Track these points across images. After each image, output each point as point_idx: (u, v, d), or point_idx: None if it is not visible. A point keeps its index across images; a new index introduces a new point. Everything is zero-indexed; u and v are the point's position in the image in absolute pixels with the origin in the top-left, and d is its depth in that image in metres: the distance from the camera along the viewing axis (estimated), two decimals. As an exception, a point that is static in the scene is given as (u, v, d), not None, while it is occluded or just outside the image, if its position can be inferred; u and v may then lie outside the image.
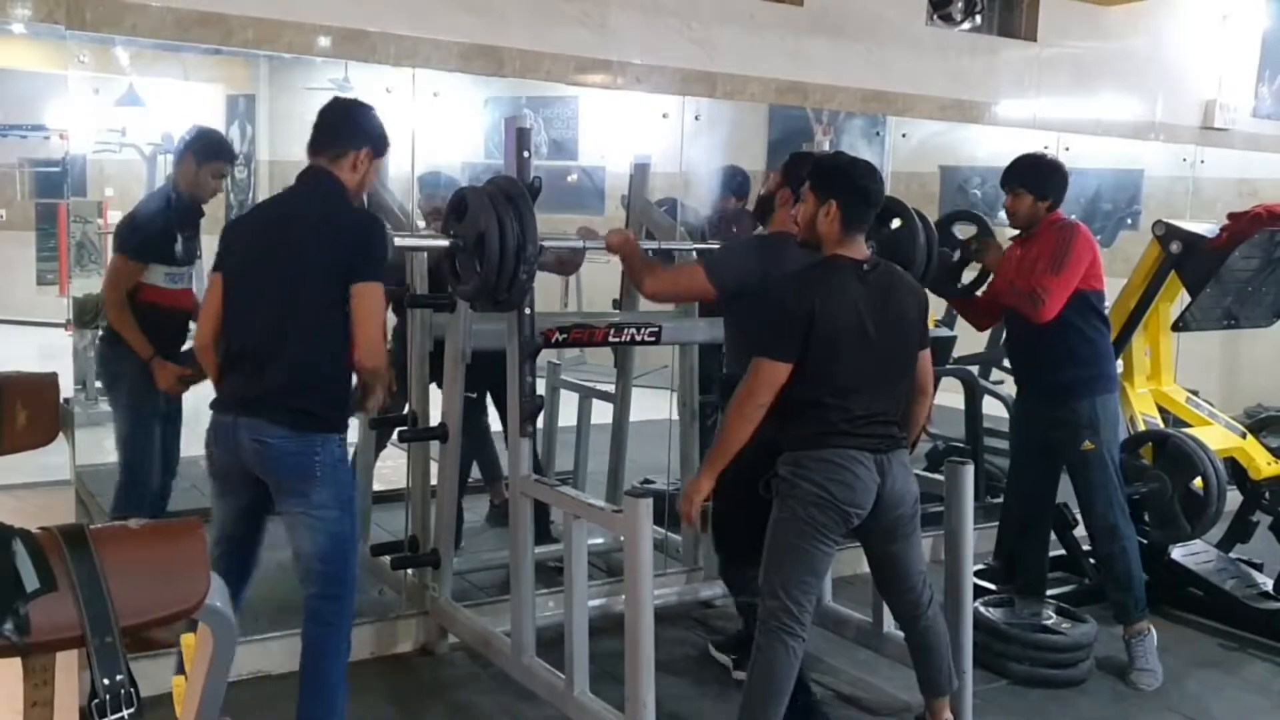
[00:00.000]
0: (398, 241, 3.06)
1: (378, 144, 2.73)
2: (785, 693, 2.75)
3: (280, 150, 2.67)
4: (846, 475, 2.71)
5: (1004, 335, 5.44)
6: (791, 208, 3.08)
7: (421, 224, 4.20)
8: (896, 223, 3.38)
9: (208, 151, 3.47)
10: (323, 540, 2.57)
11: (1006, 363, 5.42)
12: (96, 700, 1.38)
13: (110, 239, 3.47)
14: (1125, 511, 3.70)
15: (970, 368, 5.18)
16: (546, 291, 5.18)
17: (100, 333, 3.48)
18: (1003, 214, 3.79)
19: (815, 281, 2.77)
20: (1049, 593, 3.98)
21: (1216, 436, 4.24)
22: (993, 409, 5.12)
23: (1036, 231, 3.63)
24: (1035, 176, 3.65)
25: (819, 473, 2.72)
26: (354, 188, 2.69)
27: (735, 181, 4.68)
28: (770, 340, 2.73)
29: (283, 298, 2.54)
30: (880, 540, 2.89)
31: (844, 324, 2.72)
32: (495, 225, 2.79)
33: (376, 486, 4.17)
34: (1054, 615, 3.73)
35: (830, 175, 2.83)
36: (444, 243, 2.94)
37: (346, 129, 2.69)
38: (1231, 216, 4.16)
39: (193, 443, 3.05)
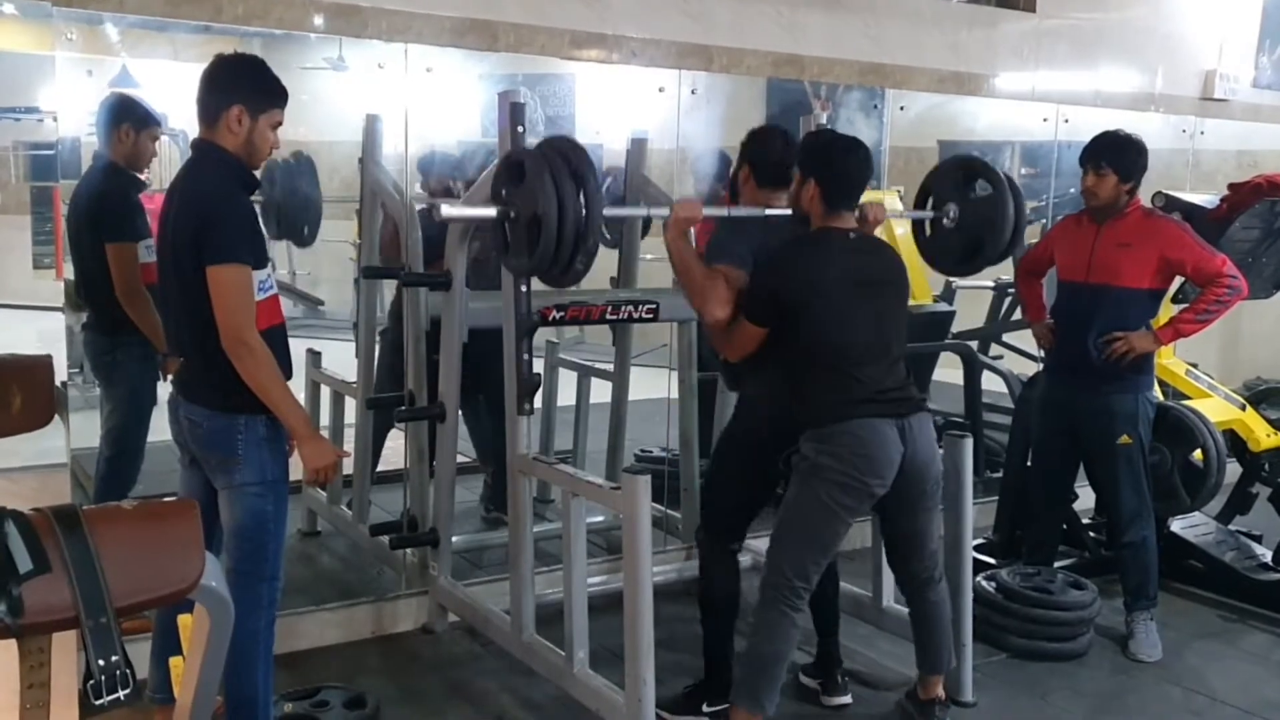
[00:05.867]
0: (445, 211, 2.75)
1: (252, 98, 2.49)
2: (785, 659, 2.79)
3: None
4: (869, 447, 2.70)
5: (1003, 311, 5.46)
6: (752, 184, 3.03)
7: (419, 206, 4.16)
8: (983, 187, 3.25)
9: (145, 118, 3.41)
10: (242, 516, 2.55)
11: (1008, 339, 5.44)
12: (92, 681, 1.38)
13: (84, 230, 3.33)
14: (1149, 501, 3.70)
15: (969, 343, 5.17)
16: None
17: (85, 320, 3.42)
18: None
19: (801, 254, 2.79)
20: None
21: (1216, 409, 4.24)
22: (992, 384, 5.11)
23: (1127, 213, 3.57)
24: (1125, 158, 3.54)
25: (843, 447, 2.70)
26: (241, 151, 2.51)
27: (722, 166, 4.68)
28: (748, 301, 2.78)
29: (176, 282, 2.51)
30: (900, 514, 2.87)
31: (833, 287, 2.75)
32: (554, 204, 2.46)
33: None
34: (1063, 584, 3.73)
35: (810, 154, 2.87)
36: (492, 213, 2.67)
37: (213, 90, 2.49)
38: (1231, 187, 4.14)
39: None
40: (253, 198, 2.61)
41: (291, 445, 2.58)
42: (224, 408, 2.50)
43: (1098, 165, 3.56)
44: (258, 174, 2.65)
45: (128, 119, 3.37)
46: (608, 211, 2.66)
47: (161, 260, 2.58)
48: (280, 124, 2.57)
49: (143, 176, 3.52)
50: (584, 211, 2.49)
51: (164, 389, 3.48)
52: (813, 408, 2.75)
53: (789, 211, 2.91)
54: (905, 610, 3.10)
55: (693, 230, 2.88)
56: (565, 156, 2.54)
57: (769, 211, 2.92)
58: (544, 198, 2.47)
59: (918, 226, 3.39)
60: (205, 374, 2.50)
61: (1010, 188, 3.22)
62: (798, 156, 2.89)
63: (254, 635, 2.56)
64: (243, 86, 2.51)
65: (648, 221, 4.18)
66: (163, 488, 3.43)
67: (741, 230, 2.91)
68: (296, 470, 2.62)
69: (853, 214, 2.85)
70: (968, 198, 3.26)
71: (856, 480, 2.70)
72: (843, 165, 2.81)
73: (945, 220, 3.27)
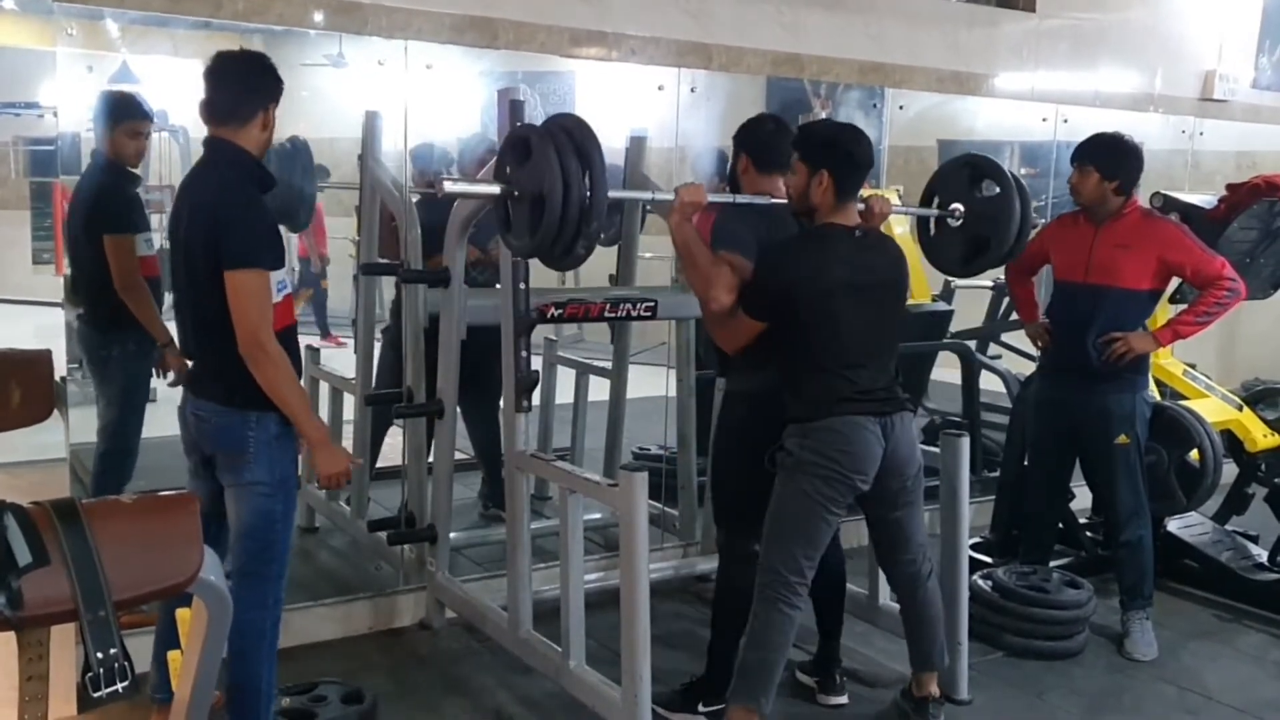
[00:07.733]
0: (447, 187, 2.72)
1: (278, 91, 2.54)
2: (782, 655, 2.82)
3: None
4: (852, 443, 2.76)
5: (1001, 311, 5.46)
6: (752, 171, 3.03)
7: (416, 198, 4.16)
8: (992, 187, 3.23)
9: (118, 112, 3.39)
10: (249, 515, 2.53)
11: (1007, 339, 5.44)
12: (90, 674, 1.38)
13: (80, 226, 3.34)
14: (1146, 501, 3.71)
15: (968, 342, 5.17)
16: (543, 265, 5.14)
17: (80, 315, 3.41)
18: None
19: (807, 252, 2.81)
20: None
21: (1213, 409, 4.24)
22: (989, 384, 5.11)
23: (1125, 214, 3.58)
24: (1108, 157, 3.56)
25: (825, 443, 2.75)
26: (262, 146, 2.54)
27: (721, 164, 4.69)
28: (749, 296, 2.79)
29: (188, 283, 2.50)
30: (883, 507, 2.93)
31: (838, 289, 2.77)
32: (559, 183, 2.43)
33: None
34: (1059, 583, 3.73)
35: (819, 145, 2.84)
36: (495, 189, 2.63)
37: (244, 89, 2.50)
38: (1230, 187, 4.15)
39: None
40: None
41: (301, 445, 2.57)
42: (235, 403, 2.48)
43: (1081, 163, 3.60)
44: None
45: (108, 114, 3.37)
46: (612, 194, 2.60)
47: (174, 261, 2.55)
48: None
49: (136, 171, 3.52)
50: (589, 192, 2.47)
51: (157, 384, 3.51)
52: (802, 403, 2.80)
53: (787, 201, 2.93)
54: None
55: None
56: (570, 134, 2.50)
57: (773, 201, 2.93)
58: (549, 176, 2.44)
59: (922, 224, 3.38)
60: (217, 374, 2.49)
61: (1018, 188, 3.21)
62: (802, 150, 2.86)
63: (260, 634, 2.56)
64: (271, 86, 2.53)
65: (644, 217, 4.18)
66: (160, 483, 3.43)
67: (743, 218, 2.91)
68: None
69: (855, 206, 2.87)
70: (974, 197, 3.25)
71: (839, 473, 2.76)
72: (854, 153, 2.81)
73: (951, 219, 3.24)
